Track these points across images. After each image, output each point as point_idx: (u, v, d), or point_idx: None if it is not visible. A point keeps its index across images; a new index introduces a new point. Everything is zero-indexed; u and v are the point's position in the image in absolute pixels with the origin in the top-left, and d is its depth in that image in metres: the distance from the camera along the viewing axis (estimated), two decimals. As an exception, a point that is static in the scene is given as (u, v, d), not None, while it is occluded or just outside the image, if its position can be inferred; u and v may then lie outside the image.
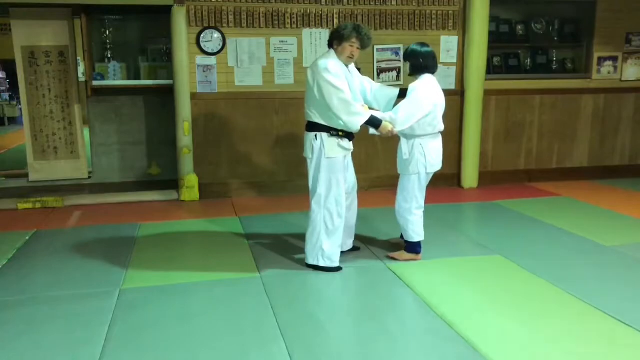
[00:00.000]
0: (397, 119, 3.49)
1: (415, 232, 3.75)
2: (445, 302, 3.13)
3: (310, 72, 3.48)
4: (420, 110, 3.52)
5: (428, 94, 3.56)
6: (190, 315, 3.00)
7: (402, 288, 3.36)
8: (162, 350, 2.62)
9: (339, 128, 3.46)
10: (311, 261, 3.65)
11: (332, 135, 3.48)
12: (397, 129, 3.51)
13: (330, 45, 3.54)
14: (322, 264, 3.61)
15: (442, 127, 3.71)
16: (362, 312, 3.10)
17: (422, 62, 3.62)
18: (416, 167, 3.65)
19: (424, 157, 3.63)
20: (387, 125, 3.46)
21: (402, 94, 3.71)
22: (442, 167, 3.82)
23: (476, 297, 3.22)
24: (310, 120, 3.53)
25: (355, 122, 3.39)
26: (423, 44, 3.69)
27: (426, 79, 3.63)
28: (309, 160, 3.60)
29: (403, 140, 3.67)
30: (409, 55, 3.67)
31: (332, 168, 3.52)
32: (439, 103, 3.65)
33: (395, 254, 3.85)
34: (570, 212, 5.11)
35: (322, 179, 3.52)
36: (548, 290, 3.30)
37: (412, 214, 3.72)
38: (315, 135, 3.50)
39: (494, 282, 3.46)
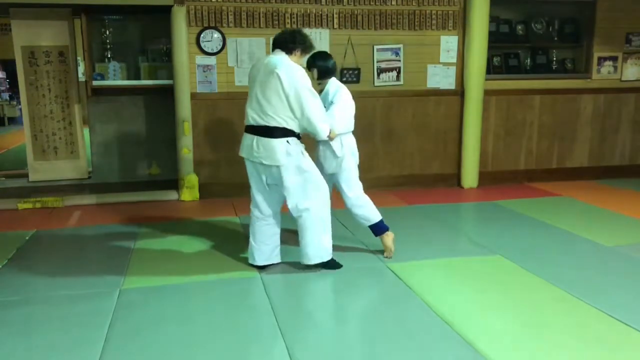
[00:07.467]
0: (335, 123, 3.62)
1: (373, 212, 3.83)
2: (445, 302, 3.13)
3: (286, 77, 3.33)
4: (348, 108, 3.74)
5: (347, 93, 3.76)
6: (189, 315, 3.00)
7: (402, 288, 3.36)
8: (162, 350, 2.62)
9: (299, 132, 3.49)
10: (317, 261, 3.60)
11: (297, 138, 3.49)
12: (337, 132, 3.64)
13: (290, 50, 3.53)
14: (326, 259, 3.61)
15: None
16: (362, 312, 3.11)
17: (330, 67, 3.80)
18: (350, 161, 3.80)
19: (351, 150, 3.81)
20: (332, 132, 3.62)
21: None
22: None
23: (476, 297, 3.22)
24: (279, 126, 3.40)
25: (326, 130, 3.50)
26: (323, 54, 3.86)
27: (336, 81, 3.82)
28: (283, 168, 3.42)
29: (328, 143, 3.70)
30: (314, 64, 3.79)
31: (311, 163, 3.54)
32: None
33: (385, 252, 3.88)
34: (570, 212, 5.11)
35: (310, 177, 3.49)
36: (548, 290, 3.30)
37: (363, 197, 3.82)
38: (288, 140, 3.42)
39: (494, 282, 3.46)
